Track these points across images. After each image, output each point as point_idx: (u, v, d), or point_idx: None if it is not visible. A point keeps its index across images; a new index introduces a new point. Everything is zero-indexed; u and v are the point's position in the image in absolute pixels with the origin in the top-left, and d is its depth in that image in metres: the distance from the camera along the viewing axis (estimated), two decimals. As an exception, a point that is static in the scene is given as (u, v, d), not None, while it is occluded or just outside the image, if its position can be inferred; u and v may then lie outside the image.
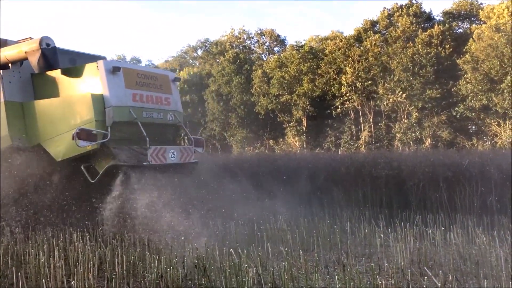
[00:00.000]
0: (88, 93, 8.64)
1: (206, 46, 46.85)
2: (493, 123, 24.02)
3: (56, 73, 9.28)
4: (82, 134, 8.28)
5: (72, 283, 5.45)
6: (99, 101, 8.62)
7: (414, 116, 26.27)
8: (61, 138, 8.68)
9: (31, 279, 5.87)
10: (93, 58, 10.05)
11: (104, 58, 10.84)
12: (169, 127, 10.13)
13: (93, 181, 8.50)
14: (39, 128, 9.09)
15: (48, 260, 5.95)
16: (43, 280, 5.38)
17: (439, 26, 26.63)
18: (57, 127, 8.82)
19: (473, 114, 24.45)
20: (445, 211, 10.24)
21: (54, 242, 6.83)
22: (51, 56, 9.34)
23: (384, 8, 30.13)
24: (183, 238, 7.25)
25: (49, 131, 8.96)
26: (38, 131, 9.08)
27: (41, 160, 8.85)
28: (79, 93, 8.89)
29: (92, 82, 8.81)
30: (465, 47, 24.60)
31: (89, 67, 8.96)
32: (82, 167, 8.63)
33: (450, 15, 30.37)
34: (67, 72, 9.23)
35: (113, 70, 8.80)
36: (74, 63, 10.03)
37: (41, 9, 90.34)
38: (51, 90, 9.31)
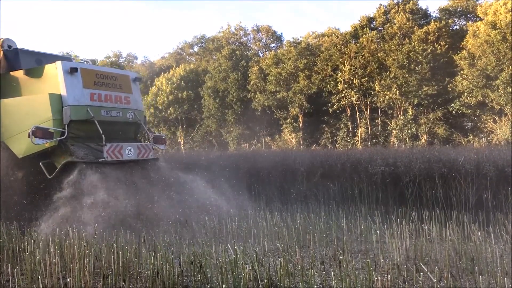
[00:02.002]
0: (47, 93, 9.12)
1: (202, 43, 46.74)
2: (489, 120, 24.10)
3: (19, 74, 9.82)
4: (38, 132, 8.78)
5: (68, 279, 5.45)
6: (56, 101, 9.12)
7: (410, 113, 26.32)
8: (22, 136, 9.07)
9: (27, 276, 5.86)
10: (58, 59, 10.42)
11: (69, 58, 11.44)
12: (129, 125, 10.56)
13: (50, 177, 8.91)
14: (2, 126, 9.53)
15: (44, 256, 5.94)
16: (39, 277, 5.37)
17: (436, 23, 26.65)
18: (19, 125, 9.25)
19: (469, 110, 24.50)
20: (441, 208, 10.28)
21: (50, 239, 6.80)
22: (13, 57, 10.06)
23: (381, 4, 30.15)
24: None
25: (11, 129, 9.40)
26: (2, 129, 9.53)
27: (7, 157, 9.36)
28: (40, 92, 9.33)
29: (51, 82, 9.31)
30: (462, 43, 24.64)
31: (49, 68, 9.46)
32: (40, 164, 9.02)
33: (447, 12, 30.40)
34: (29, 73, 9.74)
35: (71, 70, 9.28)
36: (40, 64, 10.39)
37: (40, 6, 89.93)
38: (15, 89, 9.80)
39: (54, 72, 9.32)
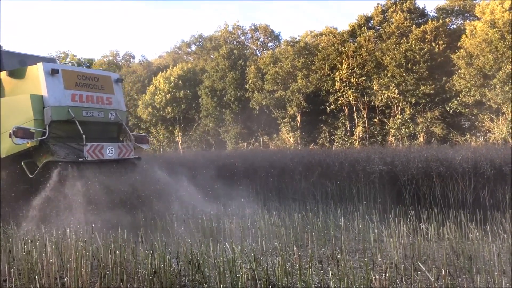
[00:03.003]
0: (28, 94, 9.38)
1: (200, 42, 46.69)
2: (486, 119, 24.13)
3: (2, 75, 10.05)
4: (19, 132, 9.02)
5: (65, 279, 5.43)
6: (38, 101, 9.39)
7: (408, 112, 26.35)
8: (5, 136, 9.29)
9: (24, 276, 5.83)
10: (42, 60, 10.59)
11: (53, 60, 11.67)
12: (111, 125, 10.82)
13: (32, 176, 9.17)
14: None
15: (41, 256, 5.92)
16: (36, 277, 5.35)
17: (433, 22, 26.66)
18: (2, 125, 9.50)
19: (466, 110, 24.54)
20: (439, 206, 10.29)
21: (47, 238, 6.79)
22: None
23: (378, 4, 30.14)
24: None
25: None
26: None
27: None
28: (22, 93, 9.57)
29: (33, 84, 9.56)
30: (459, 43, 24.66)
31: (31, 69, 9.70)
32: (22, 163, 9.29)
33: (444, 11, 30.42)
34: (12, 74, 9.96)
35: (52, 72, 9.54)
36: (24, 65, 10.59)
37: (39, 6, 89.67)
38: None
39: (36, 74, 9.55)
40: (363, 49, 27.58)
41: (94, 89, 10.28)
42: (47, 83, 9.44)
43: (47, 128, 9.29)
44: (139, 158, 10.95)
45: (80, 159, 9.33)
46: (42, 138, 9.20)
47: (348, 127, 28.66)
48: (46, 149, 9.30)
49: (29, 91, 9.45)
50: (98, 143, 9.66)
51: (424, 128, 25.81)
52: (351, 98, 27.72)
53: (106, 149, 9.76)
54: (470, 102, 23.61)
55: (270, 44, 41.68)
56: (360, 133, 27.79)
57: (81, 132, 9.36)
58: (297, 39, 33.77)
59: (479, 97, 23.08)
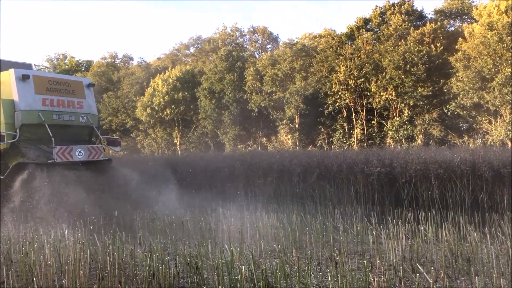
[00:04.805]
0: (0, 99, 9.85)
1: (198, 44, 46.73)
2: (484, 121, 24.17)
3: None
4: None
5: (64, 281, 5.42)
6: (9, 106, 9.88)
7: (406, 114, 26.37)
8: None
9: (22, 278, 5.82)
10: (17, 66, 11.04)
11: (29, 66, 12.05)
12: (82, 128, 11.24)
13: (2, 177, 9.58)
14: None
15: (39, 258, 5.90)
16: (34, 279, 5.34)
17: (431, 24, 26.72)
18: None
19: (465, 112, 24.55)
20: (437, 208, 10.29)
21: (45, 240, 6.77)
22: None
23: (377, 6, 30.20)
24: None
25: None
26: None
27: None
28: None
29: (5, 88, 9.99)
30: (457, 45, 24.71)
31: (3, 75, 10.13)
32: None
33: (442, 13, 30.48)
34: None
35: (23, 77, 10.01)
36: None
37: (38, 7, 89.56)
38: None
39: (7, 79, 9.98)
40: (361, 51, 27.62)
41: (65, 94, 10.74)
42: (18, 88, 9.89)
43: (17, 131, 9.76)
44: (110, 160, 11.45)
45: (49, 161, 9.74)
46: (13, 140, 9.66)
47: (346, 129, 28.66)
48: (17, 151, 9.76)
49: (1, 96, 9.89)
50: (68, 145, 10.10)
51: (422, 130, 25.84)
52: (348, 101, 27.74)
53: (75, 151, 10.19)
54: (468, 104, 23.64)
55: (268, 46, 41.78)
56: (359, 135, 27.80)
57: (50, 134, 9.81)
58: (295, 41, 33.81)
59: (477, 99, 23.11)
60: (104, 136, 11.61)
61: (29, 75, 10.14)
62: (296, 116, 30.34)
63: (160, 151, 36.85)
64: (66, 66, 48.80)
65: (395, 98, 26.17)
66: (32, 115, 10.04)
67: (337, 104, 28.19)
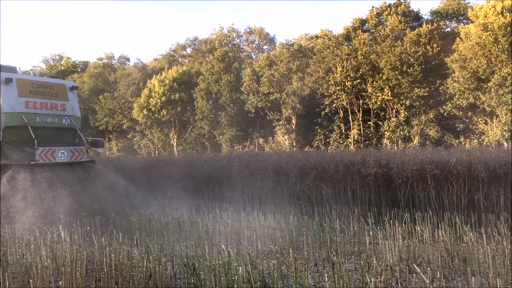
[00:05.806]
0: None
1: (195, 44, 46.62)
2: (480, 121, 24.24)
3: None
4: None
5: (60, 282, 5.40)
6: None
7: (402, 115, 26.42)
8: None
9: (19, 279, 5.80)
10: (2, 69, 11.09)
11: (14, 69, 12.36)
12: (66, 130, 11.38)
13: None
14: None
15: (36, 259, 5.88)
16: (31, 280, 5.32)
17: (427, 25, 26.79)
18: None
19: (461, 112, 24.63)
20: (433, 209, 10.32)
21: (42, 241, 6.75)
22: None
23: (373, 7, 30.29)
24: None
25: None
26: None
27: None
28: None
29: None
30: (453, 46, 24.79)
31: None
32: None
33: (438, 14, 30.57)
34: None
35: (6, 81, 10.15)
36: None
37: (37, 7, 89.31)
38: None
39: None
40: (358, 52, 27.66)
41: (48, 97, 10.90)
42: (1, 91, 10.05)
43: (1, 133, 9.91)
44: (93, 161, 11.63)
45: (31, 162, 9.91)
46: None
47: (343, 130, 28.71)
48: (0, 153, 9.90)
49: None
50: (50, 147, 10.23)
51: (418, 131, 25.90)
52: (345, 102, 27.78)
53: (58, 152, 10.35)
54: (464, 105, 23.71)
55: (265, 47, 41.74)
56: (355, 136, 27.83)
57: (33, 136, 9.95)
58: (292, 42, 33.83)
59: (473, 100, 23.18)
60: (87, 138, 11.81)
61: (12, 78, 10.27)
62: (293, 117, 30.36)
63: (157, 152, 36.78)
64: (63, 67, 48.67)
65: (392, 98, 26.23)
66: (15, 118, 10.20)
67: (334, 105, 28.23)
